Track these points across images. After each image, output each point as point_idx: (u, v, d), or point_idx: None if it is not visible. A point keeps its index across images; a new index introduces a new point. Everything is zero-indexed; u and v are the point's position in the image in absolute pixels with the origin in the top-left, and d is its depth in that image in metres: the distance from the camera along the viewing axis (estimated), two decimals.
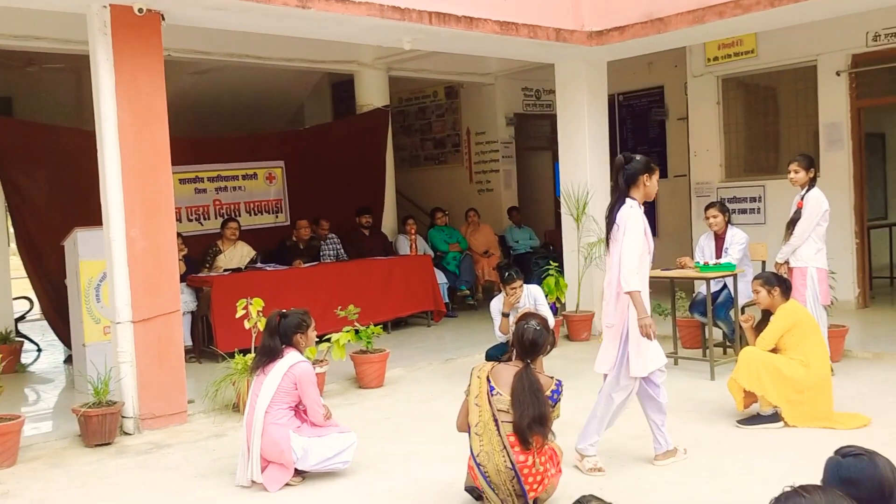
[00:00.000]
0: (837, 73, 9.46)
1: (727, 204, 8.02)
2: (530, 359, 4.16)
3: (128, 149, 6.04)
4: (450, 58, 10.69)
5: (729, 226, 7.54)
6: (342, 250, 10.34)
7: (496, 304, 6.98)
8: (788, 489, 1.94)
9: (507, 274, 6.87)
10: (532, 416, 3.93)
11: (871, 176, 10.68)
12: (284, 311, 5.00)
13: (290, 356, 4.84)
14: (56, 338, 9.09)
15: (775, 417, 5.49)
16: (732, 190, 10.26)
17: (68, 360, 8.58)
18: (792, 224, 6.73)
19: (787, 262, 6.78)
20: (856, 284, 9.51)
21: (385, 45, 8.60)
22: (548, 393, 4.04)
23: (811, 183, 6.68)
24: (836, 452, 2.24)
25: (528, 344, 4.16)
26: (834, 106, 9.56)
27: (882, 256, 11.49)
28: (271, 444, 4.70)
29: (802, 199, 6.69)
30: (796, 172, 6.70)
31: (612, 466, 4.87)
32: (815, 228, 6.63)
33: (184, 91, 10.77)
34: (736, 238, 7.41)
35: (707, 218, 7.62)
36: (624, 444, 5.28)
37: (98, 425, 5.73)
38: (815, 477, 2.27)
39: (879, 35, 9.09)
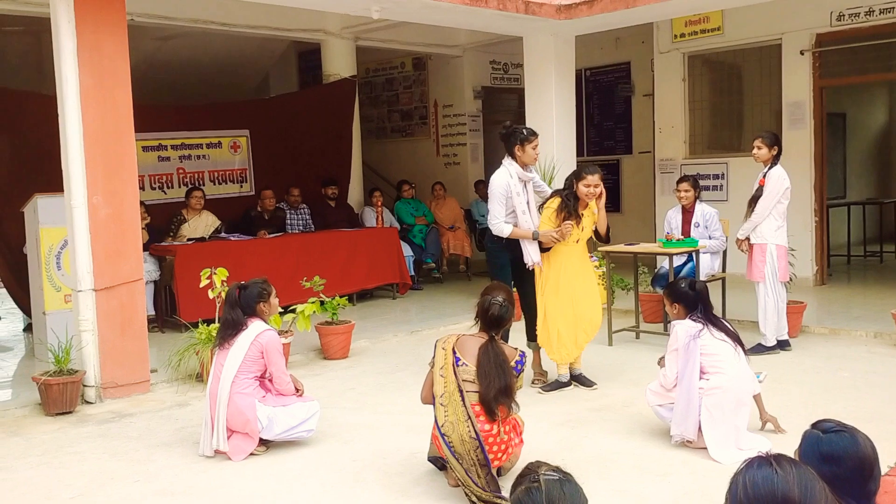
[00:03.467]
0: (801, 53, 9.56)
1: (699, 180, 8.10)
2: (495, 332, 4.20)
3: (90, 114, 5.93)
4: (418, 28, 10.63)
5: (698, 202, 7.65)
6: (311, 220, 10.28)
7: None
8: (762, 455, 1.89)
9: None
10: (498, 387, 3.97)
11: (830, 155, 10.85)
12: (243, 283, 4.98)
13: (255, 325, 4.83)
14: (15, 306, 8.96)
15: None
16: (696, 167, 10.36)
17: (28, 328, 8.47)
18: (753, 201, 6.83)
19: (747, 239, 6.90)
20: (814, 262, 9.68)
21: (353, 13, 8.53)
22: (512, 364, 4.08)
23: (774, 160, 6.77)
24: (815, 427, 2.18)
25: (493, 319, 4.20)
26: (797, 85, 9.67)
27: (840, 235, 11.71)
28: (237, 414, 4.70)
29: (764, 176, 6.78)
30: (759, 149, 6.78)
31: (573, 439, 4.95)
32: (775, 206, 6.72)
33: (147, 57, 10.59)
34: (708, 216, 7.53)
35: (678, 191, 7.71)
36: (586, 417, 5.36)
37: (59, 394, 5.68)
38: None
39: (843, 15, 9.20)
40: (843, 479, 2.05)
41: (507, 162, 5.94)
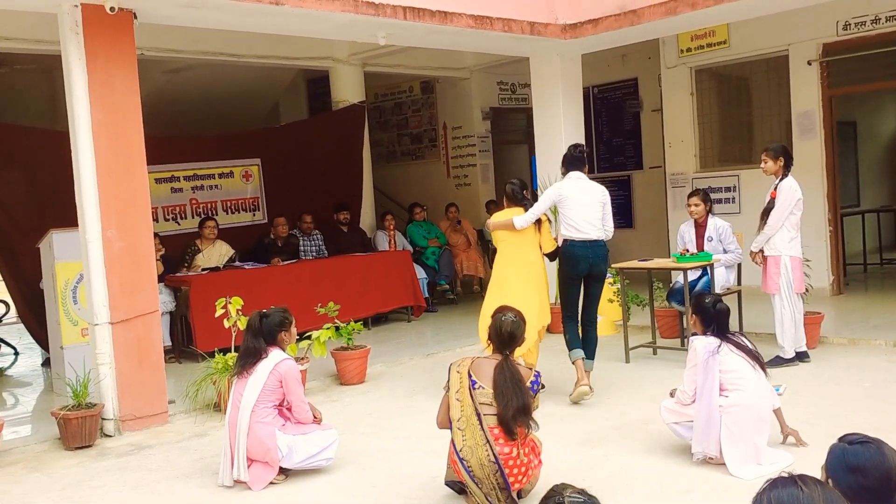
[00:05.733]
0: (809, 63, 9.55)
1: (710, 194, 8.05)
2: (508, 350, 4.19)
3: (102, 149, 5.99)
4: (425, 52, 10.70)
5: (710, 215, 7.62)
6: (324, 246, 10.32)
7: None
8: (785, 475, 1.90)
9: None
10: (516, 406, 3.95)
11: (843, 164, 10.81)
12: (264, 311, 5.00)
13: (274, 354, 4.83)
14: (33, 341, 9.01)
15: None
16: (707, 180, 10.34)
17: (46, 363, 8.51)
18: (766, 213, 6.81)
19: (761, 251, 6.87)
20: (830, 272, 9.62)
21: (360, 40, 8.61)
22: (527, 384, 4.07)
23: (785, 172, 6.75)
24: (841, 439, 2.19)
25: (506, 336, 4.19)
26: (806, 95, 9.65)
27: (855, 243, 11.63)
28: (257, 443, 4.70)
29: (775, 188, 6.76)
30: (765, 162, 6.80)
31: (593, 458, 4.92)
32: (788, 217, 6.70)
33: (158, 90, 10.70)
34: (722, 230, 7.50)
35: (689, 205, 7.69)
36: (605, 435, 5.33)
37: (78, 428, 5.69)
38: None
39: (849, 24, 9.19)
40: (869, 490, 2.04)
41: (584, 175, 6.38)
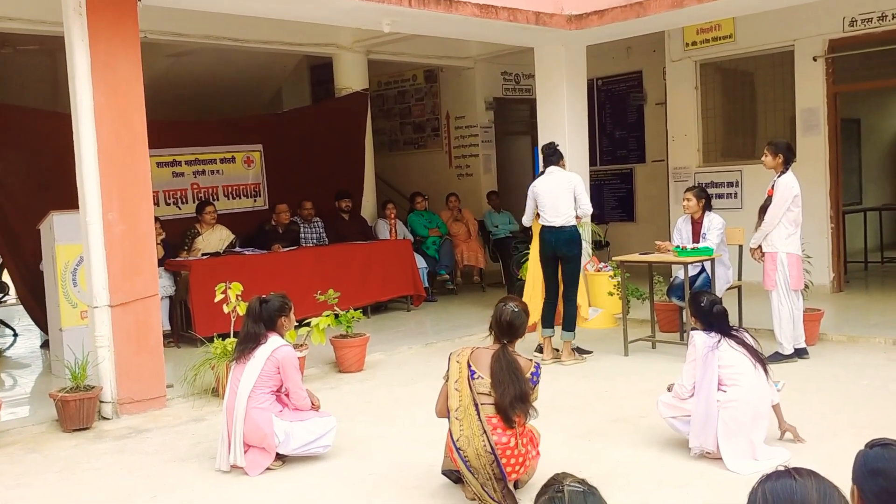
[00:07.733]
0: (814, 59, 9.52)
1: (707, 190, 8.01)
2: (507, 339, 4.18)
3: (104, 131, 5.98)
4: (429, 41, 10.66)
5: (707, 211, 7.58)
6: (325, 234, 10.31)
7: None
8: (781, 469, 1.90)
9: None
10: (513, 394, 3.95)
11: (846, 161, 10.77)
12: (264, 296, 4.99)
13: (272, 340, 4.83)
14: (32, 322, 9.01)
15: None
16: (710, 175, 10.32)
17: (45, 344, 8.51)
18: (763, 210, 6.81)
19: (759, 248, 6.86)
20: (831, 269, 9.61)
21: (364, 27, 8.58)
22: (528, 375, 4.06)
23: (784, 168, 6.74)
24: (867, 444, 2.15)
25: (505, 324, 4.18)
26: (810, 91, 9.62)
27: (857, 241, 11.62)
28: (254, 429, 4.70)
29: (773, 185, 6.76)
30: (765, 156, 6.82)
31: (590, 451, 4.92)
32: (784, 213, 6.68)
33: (161, 74, 10.66)
34: (713, 223, 7.46)
35: (683, 200, 7.69)
36: (603, 428, 5.33)
37: (76, 410, 5.70)
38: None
39: (856, 20, 9.15)
40: (892, 494, 2.00)
41: (559, 168, 7.28)
